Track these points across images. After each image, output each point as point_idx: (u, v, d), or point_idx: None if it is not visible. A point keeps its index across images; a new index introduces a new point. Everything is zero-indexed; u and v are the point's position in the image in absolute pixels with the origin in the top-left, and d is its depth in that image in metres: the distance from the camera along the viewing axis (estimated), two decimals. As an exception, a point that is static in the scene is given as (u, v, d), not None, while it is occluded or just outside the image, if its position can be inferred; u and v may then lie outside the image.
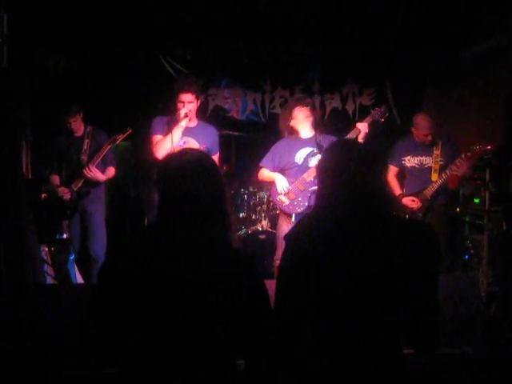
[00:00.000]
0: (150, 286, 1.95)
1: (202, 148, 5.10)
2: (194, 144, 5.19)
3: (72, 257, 6.13)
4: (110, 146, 5.73)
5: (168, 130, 5.11)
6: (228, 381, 2.04)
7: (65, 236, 6.24)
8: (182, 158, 2.08)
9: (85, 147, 5.86)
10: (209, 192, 2.03)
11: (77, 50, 7.01)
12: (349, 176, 2.12)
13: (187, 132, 5.23)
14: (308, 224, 2.22)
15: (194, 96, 5.15)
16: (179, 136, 5.09)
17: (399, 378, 2.13)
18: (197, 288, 1.95)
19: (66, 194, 5.79)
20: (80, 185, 5.79)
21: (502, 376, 4.07)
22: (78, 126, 5.89)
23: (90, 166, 5.69)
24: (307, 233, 2.16)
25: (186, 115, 5.09)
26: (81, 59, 7.11)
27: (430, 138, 5.91)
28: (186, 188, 2.00)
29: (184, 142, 5.16)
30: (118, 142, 5.76)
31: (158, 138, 5.22)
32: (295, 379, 2.20)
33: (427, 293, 2.09)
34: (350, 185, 2.12)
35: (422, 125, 5.94)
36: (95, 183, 5.89)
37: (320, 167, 2.27)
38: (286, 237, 2.26)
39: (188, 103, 5.12)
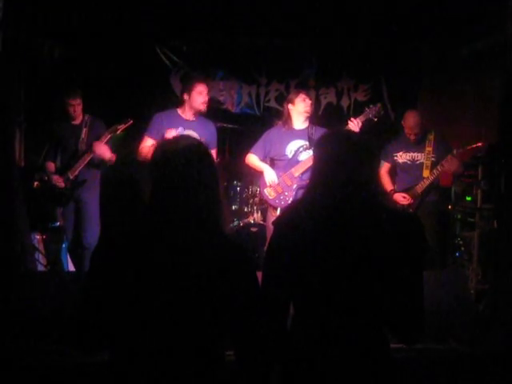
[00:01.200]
0: (141, 270, 1.95)
1: (201, 140, 5.14)
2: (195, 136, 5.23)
3: (65, 245, 6.12)
4: (110, 136, 5.71)
5: (168, 124, 5.23)
6: (216, 369, 2.04)
7: (58, 224, 6.23)
8: (178, 143, 2.07)
9: (83, 136, 5.83)
10: (203, 178, 2.02)
11: (72, 39, 6.99)
12: (342, 165, 2.12)
13: (188, 125, 5.37)
14: (297, 210, 2.21)
15: (208, 91, 5.45)
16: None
17: (385, 366, 2.14)
18: (187, 274, 1.95)
19: (59, 182, 5.76)
20: (77, 173, 5.77)
21: (489, 372, 4.09)
22: (79, 112, 5.86)
23: (100, 142, 5.65)
24: (296, 219, 2.16)
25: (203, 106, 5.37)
26: (76, 48, 7.09)
27: (413, 137, 5.92)
28: (181, 173, 2.00)
29: None
30: (118, 131, 5.73)
31: (147, 141, 5.33)
32: (280, 365, 2.21)
33: (412, 282, 2.10)
34: (343, 174, 2.12)
35: (409, 122, 5.96)
36: (94, 168, 5.88)
37: (316, 154, 2.27)
38: (274, 222, 2.26)
39: (204, 95, 5.36)
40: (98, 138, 5.73)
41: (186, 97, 5.40)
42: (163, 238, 1.98)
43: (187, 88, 5.41)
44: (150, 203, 2.05)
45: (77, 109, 5.82)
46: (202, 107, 5.39)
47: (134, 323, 1.97)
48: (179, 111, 5.48)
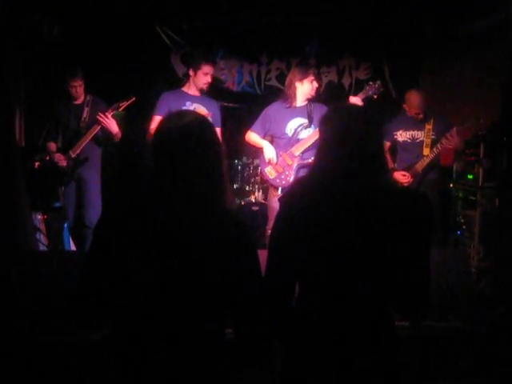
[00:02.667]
0: (142, 243, 1.96)
1: (210, 114, 5.37)
2: (203, 110, 5.39)
3: (66, 224, 6.12)
4: (113, 112, 5.69)
5: (176, 105, 5.23)
6: (216, 344, 2.05)
7: (60, 204, 6.22)
8: (181, 118, 2.06)
9: (84, 115, 5.83)
10: (206, 154, 2.02)
11: (72, 17, 6.94)
12: (350, 139, 2.11)
13: (195, 99, 5.55)
14: (303, 187, 2.21)
15: (211, 69, 5.57)
16: None
17: (390, 344, 2.14)
18: (188, 247, 1.96)
19: (61, 160, 5.76)
20: (78, 151, 5.77)
21: (490, 349, 4.11)
22: (80, 93, 5.85)
23: (106, 114, 5.63)
24: (302, 196, 2.15)
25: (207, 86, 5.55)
26: (76, 26, 7.04)
27: (421, 115, 5.91)
28: (184, 148, 2.00)
29: (194, 108, 5.30)
30: (121, 109, 5.73)
31: (156, 119, 5.35)
32: (284, 346, 2.22)
33: (419, 259, 2.10)
34: (350, 147, 2.10)
35: (413, 102, 5.93)
36: (93, 150, 5.88)
37: (323, 129, 2.24)
38: (280, 199, 2.25)
39: (209, 75, 5.51)
40: (97, 119, 5.70)
41: (191, 73, 5.55)
42: (165, 213, 1.98)
43: (194, 66, 5.53)
44: (153, 177, 2.05)
45: (78, 90, 5.81)
46: (205, 87, 5.55)
47: (135, 296, 1.98)
48: (184, 89, 5.62)
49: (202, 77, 5.48)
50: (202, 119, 2.12)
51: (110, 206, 2.12)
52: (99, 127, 5.69)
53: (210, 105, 5.59)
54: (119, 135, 5.77)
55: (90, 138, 5.74)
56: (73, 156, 5.75)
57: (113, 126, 5.68)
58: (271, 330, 2.20)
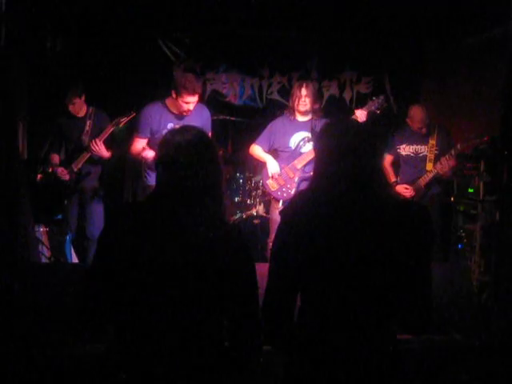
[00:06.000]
0: (144, 254, 2.01)
1: None
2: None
3: (68, 237, 6.13)
4: (113, 129, 5.70)
5: (160, 119, 5.13)
6: (215, 353, 2.08)
7: (62, 216, 6.23)
8: (182, 135, 2.11)
9: (87, 128, 5.84)
10: (206, 170, 2.08)
11: (75, 32, 6.99)
12: (347, 154, 2.12)
13: (179, 120, 5.21)
14: (304, 200, 2.22)
15: (198, 96, 5.12)
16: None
17: (391, 357, 2.14)
18: (188, 259, 2.01)
19: (64, 175, 5.78)
20: (80, 165, 5.79)
21: (491, 363, 4.10)
22: (81, 107, 5.86)
23: (98, 141, 5.63)
24: (303, 209, 2.16)
25: (187, 113, 5.13)
26: (79, 41, 7.09)
27: (424, 130, 5.94)
28: (184, 165, 2.05)
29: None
30: (121, 124, 5.72)
31: (138, 141, 5.25)
32: (286, 357, 2.23)
33: (420, 272, 2.11)
34: (348, 163, 2.11)
35: (416, 117, 5.97)
36: (95, 163, 5.89)
37: (320, 144, 2.26)
38: (282, 212, 2.27)
39: (192, 103, 5.10)
40: (101, 131, 5.72)
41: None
42: (167, 224, 2.03)
43: (177, 87, 5.12)
44: (156, 190, 2.09)
45: (77, 106, 5.82)
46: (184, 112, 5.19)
47: (136, 305, 2.03)
48: (168, 104, 5.28)
49: (182, 104, 5.09)
50: (202, 136, 2.16)
51: (114, 217, 2.15)
52: (88, 155, 5.73)
53: (196, 117, 5.26)
54: (109, 156, 5.78)
55: (87, 157, 5.76)
56: (75, 170, 5.78)
57: (103, 152, 5.69)
58: (272, 343, 2.23)
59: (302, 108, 5.36)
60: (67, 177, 5.79)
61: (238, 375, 2.15)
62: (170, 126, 5.11)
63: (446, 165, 5.72)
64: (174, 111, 5.18)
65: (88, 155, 5.75)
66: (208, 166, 2.09)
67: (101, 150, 5.67)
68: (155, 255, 2.00)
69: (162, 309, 2.01)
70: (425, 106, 6.22)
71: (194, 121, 5.22)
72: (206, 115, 5.45)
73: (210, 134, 5.40)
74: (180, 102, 5.04)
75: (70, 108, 5.78)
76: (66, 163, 5.87)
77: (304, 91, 5.34)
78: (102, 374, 2.10)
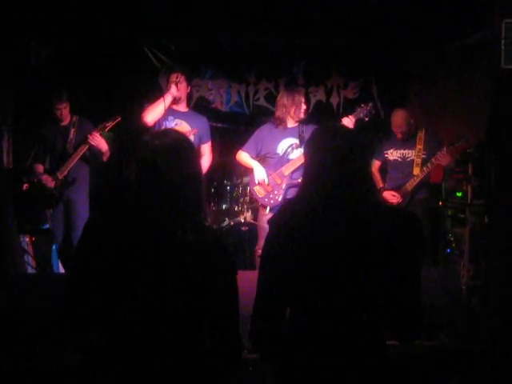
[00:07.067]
0: (120, 261, 1.98)
1: (193, 131, 5.33)
2: (185, 126, 5.36)
3: (55, 247, 6.08)
4: (99, 133, 5.68)
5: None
6: (196, 362, 2.05)
7: (48, 226, 6.18)
8: (160, 140, 2.08)
9: (71, 136, 5.82)
10: (184, 175, 2.04)
11: (60, 39, 6.95)
12: (337, 160, 2.11)
13: (179, 115, 5.44)
14: (292, 209, 2.20)
15: (183, 77, 5.34)
16: (169, 101, 5.23)
17: (380, 364, 2.12)
18: (165, 266, 1.98)
19: (49, 182, 5.74)
20: (66, 173, 5.75)
21: (481, 368, 4.09)
22: (66, 115, 5.85)
23: (95, 133, 5.63)
24: (292, 217, 2.15)
25: (177, 88, 5.27)
26: (64, 48, 7.05)
27: (400, 135, 5.94)
28: (160, 171, 2.02)
29: (175, 124, 5.31)
30: (106, 129, 5.72)
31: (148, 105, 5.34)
32: (275, 367, 2.21)
33: (410, 279, 2.10)
34: (337, 169, 2.11)
35: (395, 121, 5.98)
36: (81, 172, 5.86)
37: (309, 150, 2.24)
38: (270, 221, 2.25)
39: (179, 84, 5.30)
40: (85, 138, 5.69)
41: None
42: (144, 229, 2.00)
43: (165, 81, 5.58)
44: (135, 194, 2.06)
45: (64, 112, 5.81)
46: (172, 92, 5.32)
47: (115, 311, 2.00)
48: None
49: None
50: (182, 140, 2.13)
51: (91, 224, 2.12)
52: (86, 147, 5.68)
53: (194, 121, 5.50)
54: (108, 154, 5.76)
55: (77, 158, 5.72)
56: (60, 177, 5.73)
57: (103, 145, 5.69)
58: (261, 352, 2.20)
59: (301, 115, 5.36)
60: (52, 184, 5.74)
61: (219, 381, 2.13)
62: (170, 118, 5.35)
63: (445, 157, 5.67)
64: (175, 107, 5.45)
65: (73, 162, 5.71)
66: (187, 170, 2.06)
67: (101, 142, 5.67)
68: (133, 261, 1.98)
69: (142, 315, 1.98)
70: (408, 110, 6.20)
71: (192, 122, 5.46)
72: (204, 123, 5.66)
73: (209, 142, 5.63)
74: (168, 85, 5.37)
75: (56, 113, 5.76)
76: (51, 171, 5.82)
77: (302, 98, 5.36)
78: (82, 380, 2.07)
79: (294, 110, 5.36)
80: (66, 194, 5.84)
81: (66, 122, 5.87)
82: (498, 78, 4.63)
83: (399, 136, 5.95)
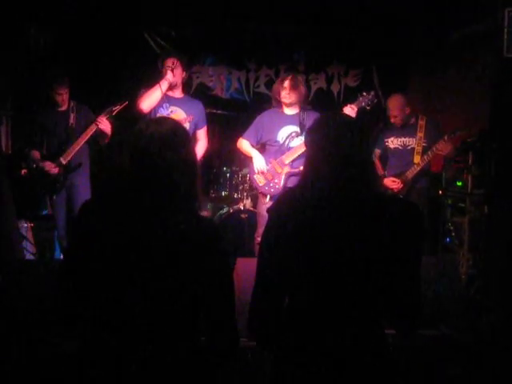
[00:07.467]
0: (114, 250, 1.97)
1: (188, 118, 5.29)
2: (180, 113, 5.31)
3: (56, 233, 6.05)
4: (106, 117, 5.65)
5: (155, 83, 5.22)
6: (189, 350, 2.05)
7: (48, 212, 6.14)
8: (154, 128, 2.06)
9: (71, 121, 5.78)
10: (178, 163, 2.02)
11: (60, 25, 6.92)
12: (339, 148, 2.10)
13: (174, 101, 5.38)
14: (293, 198, 2.19)
15: (179, 62, 5.28)
16: (166, 88, 5.19)
17: (380, 354, 2.12)
18: (160, 255, 1.97)
19: (52, 168, 5.66)
20: (70, 157, 5.70)
21: (479, 357, 4.09)
22: (66, 100, 5.80)
23: (103, 117, 5.61)
24: (291, 207, 2.13)
25: (173, 74, 5.23)
26: (64, 34, 7.02)
27: (393, 120, 5.90)
28: (154, 159, 2.00)
29: (171, 111, 5.26)
30: (114, 113, 5.68)
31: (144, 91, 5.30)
32: (273, 356, 2.20)
33: (411, 270, 2.09)
34: (339, 157, 2.09)
35: (390, 105, 5.93)
36: (82, 157, 5.82)
37: (311, 138, 2.23)
38: (269, 209, 2.23)
39: (175, 69, 5.24)
40: (85, 123, 5.70)
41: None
42: (137, 217, 1.99)
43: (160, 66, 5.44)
44: (127, 182, 2.05)
45: (64, 97, 5.77)
46: (168, 78, 5.28)
47: (108, 297, 1.99)
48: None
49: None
50: (177, 128, 2.11)
51: (83, 211, 2.10)
52: (92, 131, 5.64)
53: (190, 107, 5.44)
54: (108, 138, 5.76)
55: (83, 143, 5.69)
56: (64, 163, 5.68)
57: (109, 129, 5.66)
58: (260, 341, 2.20)
59: (285, 100, 5.31)
60: (56, 170, 5.68)
61: (214, 371, 2.13)
62: (165, 105, 5.29)
63: (446, 146, 5.65)
64: (171, 94, 5.38)
65: (78, 147, 5.67)
66: (181, 159, 2.03)
67: (108, 126, 5.66)
68: (126, 249, 1.96)
69: (135, 304, 1.96)
70: (403, 96, 6.12)
71: (188, 108, 5.40)
72: (200, 108, 5.59)
73: (204, 127, 5.58)
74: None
75: (57, 98, 5.71)
76: (52, 157, 5.75)
77: (286, 83, 5.30)
78: (76, 370, 2.06)
79: (278, 94, 5.34)
80: (69, 180, 5.79)
81: (64, 108, 5.82)
82: (500, 67, 4.61)
83: (393, 121, 5.92)
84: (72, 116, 5.78)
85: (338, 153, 2.09)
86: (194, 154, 2.16)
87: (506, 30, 4.47)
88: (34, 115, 5.90)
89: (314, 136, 2.21)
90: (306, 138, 2.28)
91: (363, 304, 2.08)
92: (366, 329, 2.09)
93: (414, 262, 2.10)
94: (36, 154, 5.82)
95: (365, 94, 5.41)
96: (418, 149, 5.85)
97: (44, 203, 6.10)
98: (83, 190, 5.87)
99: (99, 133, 5.68)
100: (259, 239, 2.41)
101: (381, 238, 2.04)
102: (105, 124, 5.61)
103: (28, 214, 6.11)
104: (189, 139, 2.14)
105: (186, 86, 5.92)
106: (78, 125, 5.76)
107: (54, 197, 5.83)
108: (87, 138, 5.67)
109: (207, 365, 2.08)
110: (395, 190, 5.83)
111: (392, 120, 5.94)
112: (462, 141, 5.99)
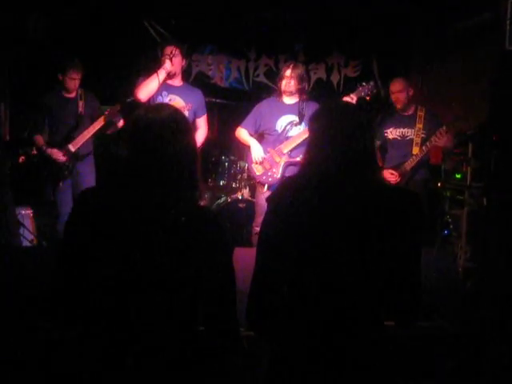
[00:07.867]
0: (112, 239, 1.95)
1: (187, 107, 5.24)
2: (179, 102, 5.27)
3: (60, 220, 6.00)
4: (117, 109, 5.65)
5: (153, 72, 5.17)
6: (188, 341, 2.04)
7: (51, 199, 6.09)
8: (153, 114, 2.04)
9: (80, 109, 5.74)
10: (178, 150, 2.00)
11: (58, 12, 6.88)
12: (341, 137, 2.09)
13: (173, 90, 5.34)
14: (292, 187, 2.18)
15: (178, 51, 5.22)
16: (163, 77, 5.14)
17: (378, 347, 2.12)
18: (159, 245, 1.95)
19: (60, 156, 5.61)
20: (80, 145, 5.66)
21: (476, 350, 4.10)
22: (77, 85, 5.75)
23: (113, 110, 5.60)
24: (291, 196, 2.12)
25: (171, 63, 5.17)
26: (62, 21, 6.98)
27: (398, 105, 5.85)
28: (154, 146, 1.98)
29: (169, 100, 5.23)
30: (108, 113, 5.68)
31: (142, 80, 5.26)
32: (271, 345, 2.20)
33: (410, 259, 2.08)
34: (341, 146, 2.08)
35: (392, 89, 5.89)
36: (87, 145, 5.79)
37: (313, 126, 2.22)
38: (268, 199, 2.22)
39: (174, 57, 5.18)
40: (93, 111, 5.72)
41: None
42: (136, 207, 1.97)
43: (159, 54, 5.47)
44: (126, 170, 2.03)
45: (76, 83, 5.72)
46: (166, 66, 5.21)
47: (105, 290, 1.97)
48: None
49: (163, 59, 5.24)
50: (176, 115, 2.09)
51: (81, 200, 2.08)
52: (101, 125, 5.62)
53: (189, 95, 5.40)
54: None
55: (94, 132, 5.66)
56: (73, 150, 5.63)
57: (120, 120, 5.68)
58: (258, 331, 2.19)
59: (286, 89, 5.29)
60: (64, 158, 5.63)
61: (214, 361, 2.11)
62: (164, 93, 5.25)
63: (444, 136, 5.63)
64: (170, 82, 5.33)
65: (89, 135, 5.66)
66: (180, 146, 2.01)
67: (119, 118, 5.66)
68: (124, 239, 1.95)
69: (133, 294, 1.95)
70: (406, 79, 6.08)
71: (186, 97, 5.36)
72: (199, 96, 5.56)
73: (204, 115, 5.56)
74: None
75: (69, 83, 5.66)
76: (61, 144, 5.69)
77: (288, 72, 5.28)
78: (74, 360, 2.05)
79: (281, 83, 5.32)
80: (76, 167, 5.75)
81: (73, 95, 5.78)
82: (501, 60, 4.59)
83: (398, 106, 5.88)
84: (81, 104, 5.74)
85: (338, 142, 2.08)
86: (194, 142, 2.14)
87: (508, 21, 4.45)
88: (38, 100, 5.81)
89: (315, 124, 2.20)
90: (309, 123, 2.26)
91: (363, 292, 2.07)
92: (365, 319, 2.09)
93: (414, 250, 2.09)
94: (40, 139, 5.75)
95: (364, 84, 5.40)
96: (417, 140, 5.82)
97: (47, 190, 6.02)
98: (89, 177, 5.84)
99: (109, 122, 5.66)
100: (257, 229, 2.40)
101: (381, 228, 2.03)
102: (118, 118, 5.64)
103: (30, 201, 6.06)
104: (189, 126, 2.11)
105: (186, 75, 5.90)
106: (87, 112, 5.74)
107: (60, 184, 5.77)
108: (97, 128, 5.66)
109: (208, 356, 2.08)
110: (393, 182, 5.82)
111: (396, 104, 5.89)
112: (458, 132, 5.96)
